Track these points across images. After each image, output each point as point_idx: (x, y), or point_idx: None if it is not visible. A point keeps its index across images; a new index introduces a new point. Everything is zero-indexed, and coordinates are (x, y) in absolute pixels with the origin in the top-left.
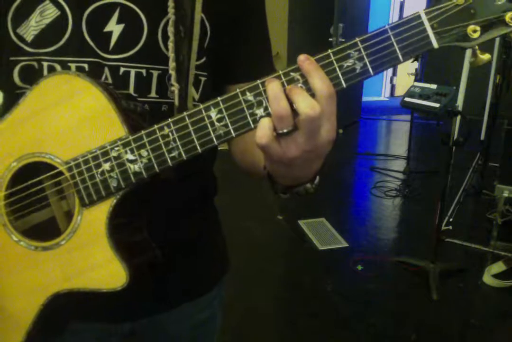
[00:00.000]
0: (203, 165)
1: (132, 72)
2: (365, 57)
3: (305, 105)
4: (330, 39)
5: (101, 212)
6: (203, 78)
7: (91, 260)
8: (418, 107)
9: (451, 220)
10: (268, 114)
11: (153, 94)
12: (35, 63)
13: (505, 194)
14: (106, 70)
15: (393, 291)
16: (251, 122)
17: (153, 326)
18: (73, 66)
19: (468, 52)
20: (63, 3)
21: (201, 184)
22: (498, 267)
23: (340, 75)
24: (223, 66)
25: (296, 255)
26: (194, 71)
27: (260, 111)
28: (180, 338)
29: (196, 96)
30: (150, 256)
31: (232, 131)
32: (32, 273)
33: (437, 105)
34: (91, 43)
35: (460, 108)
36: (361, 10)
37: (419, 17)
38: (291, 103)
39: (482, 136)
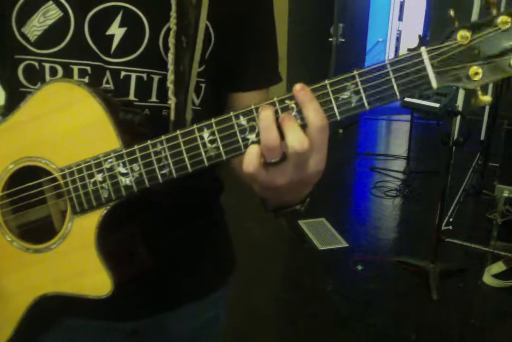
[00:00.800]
0: (209, 170)
1: (133, 76)
2: (361, 91)
3: (293, 138)
4: (330, 39)
5: (91, 221)
6: (203, 85)
7: (78, 266)
8: (418, 107)
9: (451, 220)
10: (260, 141)
11: (153, 99)
12: (37, 64)
13: (505, 194)
14: (108, 73)
15: (393, 291)
16: (242, 147)
17: (156, 326)
18: (75, 68)
19: None
20: (66, 5)
21: (206, 186)
22: (498, 267)
23: (335, 107)
24: (227, 73)
25: (296, 255)
26: (195, 81)
27: (252, 137)
28: (183, 338)
29: (197, 102)
30: (140, 266)
31: (223, 154)
32: (22, 273)
33: (437, 105)
34: (93, 46)
35: (460, 108)
36: (361, 10)
37: (420, 55)
38: (282, 132)
39: (482, 136)
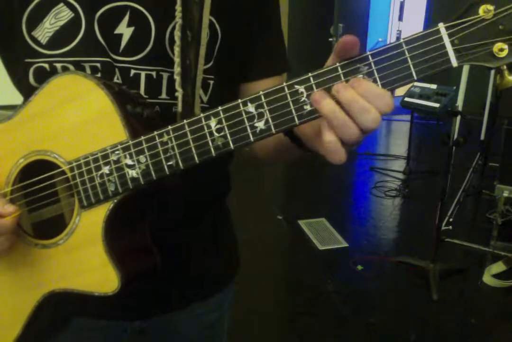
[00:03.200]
0: (219, 167)
1: (142, 74)
2: (375, 72)
3: (367, 120)
4: (330, 39)
5: (98, 215)
6: (211, 82)
7: (86, 262)
8: (418, 107)
9: (451, 220)
10: (269, 128)
11: (163, 95)
12: (48, 65)
13: (505, 194)
14: (117, 71)
15: (393, 291)
16: (250, 135)
17: (163, 325)
18: (87, 66)
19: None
20: (77, 5)
21: (215, 185)
22: (498, 267)
23: None
24: (236, 66)
25: (296, 255)
26: (201, 76)
27: (260, 124)
28: (189, 337)
29: (205, 99)
30: (148, 263)
31: (230, 143)
32: (30, 268)
33: (437, 105)
34: (103, 43)
35: (460, 108)
36: (361, 10)
37: (438, 31)
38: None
39: (482, 136)
